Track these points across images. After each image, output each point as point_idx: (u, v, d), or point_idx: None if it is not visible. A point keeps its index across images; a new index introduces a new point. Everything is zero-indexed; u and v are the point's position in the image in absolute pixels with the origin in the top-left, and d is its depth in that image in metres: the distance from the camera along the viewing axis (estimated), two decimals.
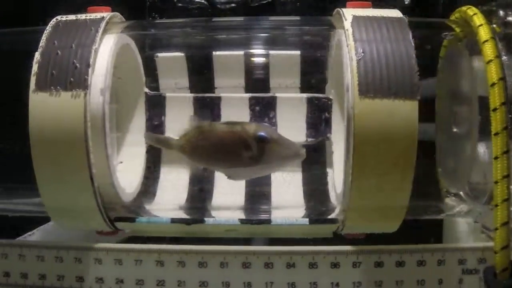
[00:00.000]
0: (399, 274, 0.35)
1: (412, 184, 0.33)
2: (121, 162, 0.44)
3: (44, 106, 0.33)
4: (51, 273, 0.37)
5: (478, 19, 0.34)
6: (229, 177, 0.39)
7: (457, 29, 0.38)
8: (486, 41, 0.33)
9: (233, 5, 0.52)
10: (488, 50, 0.33)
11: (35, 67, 0.34)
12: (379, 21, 0.35)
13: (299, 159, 0.37)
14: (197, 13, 0.52)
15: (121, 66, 0.40)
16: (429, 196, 0.40)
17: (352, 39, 0.34)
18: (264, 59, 0.45)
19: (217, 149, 0.37)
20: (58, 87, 0.34)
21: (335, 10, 0.39)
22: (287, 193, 0.43)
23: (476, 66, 0.36)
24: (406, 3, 0.51)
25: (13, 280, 0.37)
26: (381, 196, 0.33)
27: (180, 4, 0.51)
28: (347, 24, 0.35)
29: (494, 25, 0.35)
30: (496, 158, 0.32)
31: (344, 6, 0.38)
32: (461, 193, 0.38)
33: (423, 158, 0.35)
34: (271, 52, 0.45)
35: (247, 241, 0.42)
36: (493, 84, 0.32)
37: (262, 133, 0.36)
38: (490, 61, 0.32)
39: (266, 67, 0.45)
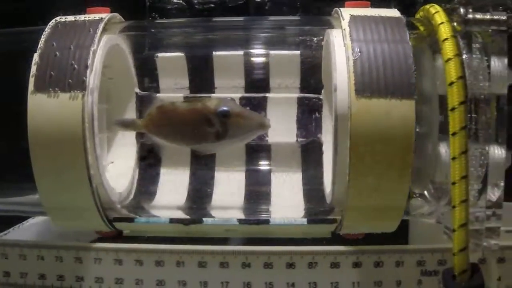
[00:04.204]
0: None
1: (409, 183, 0.33)
2: (112, 162, 0.44)
3: (43, 107, 0.34)
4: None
5: (439, 17, 0.33)
6: (197, 152, 0.39)
7: (421, 28, 0.37)
8: (446, 39, 0.32)
9: (211, 5, 0.52)
10: (448, 48, 0.32)
11: (33, 69, 0.35)
12: (376, 20, 0.35)
13: (264, 130, 0.37)
14: (175, 13, 0.52)
15: (112, 67, 0.40)
16: None
17: (349, 39, 0.34)
18: (264, 59, 0.45)
19: (181, 127, 0.37)
20: (56, 88, 0.34)
21: (334, 9, 0.39)
22: (286, 193, 0.43)
23: (437, 65, 0.35)
24: None
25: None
26: (378, 196, 0.33)
27: (158, 4, 0.51)
28: (345, 23, 0.35)
29: (455, 23, 0.34)
30: (454, 158, 0.31)
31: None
32: (425, 193, 0.37)
33: None
34: (271, 52, 0.45)
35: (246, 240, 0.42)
36: (451, 83, 0.31)
37: (224, 108, 0.35)
38: (449, 59, 0.31)
39: (266, 67, 0.45)
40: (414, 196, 0.38)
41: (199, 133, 0.36)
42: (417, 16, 0.38)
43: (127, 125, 0.42)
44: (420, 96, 0.37)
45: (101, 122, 0.36)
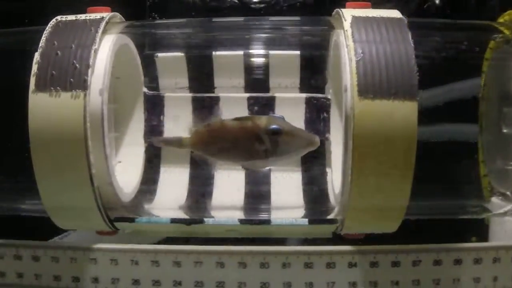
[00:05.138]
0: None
1: (411, 184, 0.33)
2: (120, 162, 0.44)
3: (44, 106, 0.33)
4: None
5: None
6: (246, 168, 0.40)
7: (506, 31, 0.39)
8: None
9: (265, 4, 0.51)
10: None
11: (34, 68, 0.34)
12: (378, 21, 0.35)
13: (313, 147, 0.37)
14: (228, 13, 0.51)
15: (120, 66, 0.40)
16: (469, 195, 0.41)
17: (352, 40, 0.34)
18: (263, 59, 0.45)
19: (231, 145, 0.37)
20: (58, 87, 0.34)
21: (335, 10, 0.39)
22: (286, 193, 0.43)
23: None
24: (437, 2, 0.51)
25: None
26: (380, 197, 0.33)
27: (213, 4, 0.51)
28: (347, 24, 0.35)
29: None
30: None
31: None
32: (508, 193, 0.38)
33: (463, 158, 0.37)
34: (271, 52, 0.45)
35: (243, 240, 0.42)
36: None
37: (274, 126, 0.36)
38: None
39: (265, 67, 0.45)
40: (496, 195, 0.39)
41: (248, 151, 0.37)
42: (501, 20, 0.40)
43: (171, 143, 0.42)
44: (506, 97, 0.38)
45: (109, 121, 0.35)
